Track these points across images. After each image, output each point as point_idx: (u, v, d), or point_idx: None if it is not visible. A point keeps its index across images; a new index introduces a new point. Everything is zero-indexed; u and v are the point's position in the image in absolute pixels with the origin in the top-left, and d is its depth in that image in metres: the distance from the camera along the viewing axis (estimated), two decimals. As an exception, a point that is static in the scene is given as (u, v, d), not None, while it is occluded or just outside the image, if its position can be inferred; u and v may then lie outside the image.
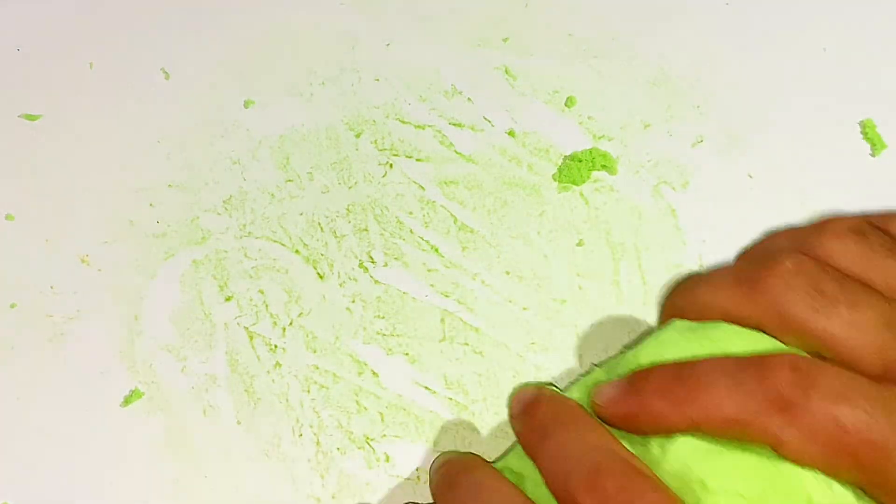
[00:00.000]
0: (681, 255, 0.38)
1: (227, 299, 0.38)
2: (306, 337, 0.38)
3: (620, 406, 0.28)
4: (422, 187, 0.39)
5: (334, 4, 0.42)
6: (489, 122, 0.40)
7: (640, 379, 0.28)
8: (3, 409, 0.37)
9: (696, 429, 0.26)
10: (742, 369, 0.26)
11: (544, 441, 0.29)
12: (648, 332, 0.31)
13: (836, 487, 0.25)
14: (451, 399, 0.37)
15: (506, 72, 0.41)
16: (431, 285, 0.38)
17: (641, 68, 0.41)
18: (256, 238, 0.39)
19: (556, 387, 0.35)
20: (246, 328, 0.38)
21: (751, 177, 0.39)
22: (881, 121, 0.39)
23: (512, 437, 0.37)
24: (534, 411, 0.30)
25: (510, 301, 0.38)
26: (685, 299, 0.30)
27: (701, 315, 0.29)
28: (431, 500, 0.30)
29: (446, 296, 0.38)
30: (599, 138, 0.40)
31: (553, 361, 0.37)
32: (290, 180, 0.40)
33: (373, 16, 0.42)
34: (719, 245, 0.38)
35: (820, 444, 0.24)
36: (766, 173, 0.39)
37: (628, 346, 0.34)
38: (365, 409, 0.37)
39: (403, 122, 0.40)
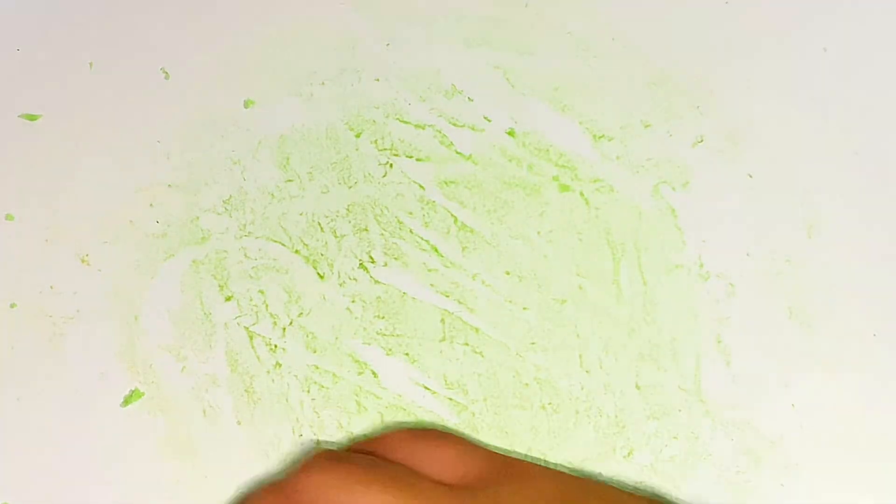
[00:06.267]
0: (681, 255, 0.38)
1: (227, 299, 0.38)
2: (306, 337, 0.38)
3: None
4: (422, 187, 0.39)
5: (334, 4, 0.42)
6: (489, 121, 0.40)
7: None
8: (3, 409, 0.37)
9: None
10: None
11: None
12: None
13: None
14: (451, 399, 0.37)
15: (506, 72, 0.41)
16: (431, 285, 0.38)
17: (641, 68, 0.41)
18: (256, 238, 0.39)
19: None
20: (246, 328, 0.38)
21: (751, 177, 0.39)
22: (881, 121, 0.39)
23: (512, 437, 0.37)
24: None
25: (510, 301, 0.38)
26: None
27: None
28: None
29: (446, 296, 0.38)
30: (599, 138, 0.40)
31: (553, 361, 0.37)
32: (290, 180, 0.40)
33: (373, 16, 0.42)
34: (719, 245, 0.38)
35: None
36: (766, 173, 0.39)
37: None
38: (365, 409, 0.37)
39: (403, 122, 0.40)
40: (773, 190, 0.39)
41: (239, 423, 0.37)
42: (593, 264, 0.38)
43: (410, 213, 0.39)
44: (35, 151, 0.41)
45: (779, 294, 0.38)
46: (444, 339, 0.38)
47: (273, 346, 0.38)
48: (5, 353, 0.38)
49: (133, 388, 0.37)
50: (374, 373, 0.37)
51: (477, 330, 0.38)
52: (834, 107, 0.40)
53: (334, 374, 0.37)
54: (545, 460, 0.36)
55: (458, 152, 0.40)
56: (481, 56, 0.41)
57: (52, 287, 0.39)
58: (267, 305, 0.38)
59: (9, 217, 0.40)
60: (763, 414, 0.37)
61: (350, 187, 0.40)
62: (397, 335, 0.38)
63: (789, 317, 0.38)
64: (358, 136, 0.40)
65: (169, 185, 0.40)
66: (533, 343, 0.37)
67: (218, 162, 0.40)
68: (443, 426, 0.37)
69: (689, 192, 0.39)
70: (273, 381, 0.37)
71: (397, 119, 0.41)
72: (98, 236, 0.40)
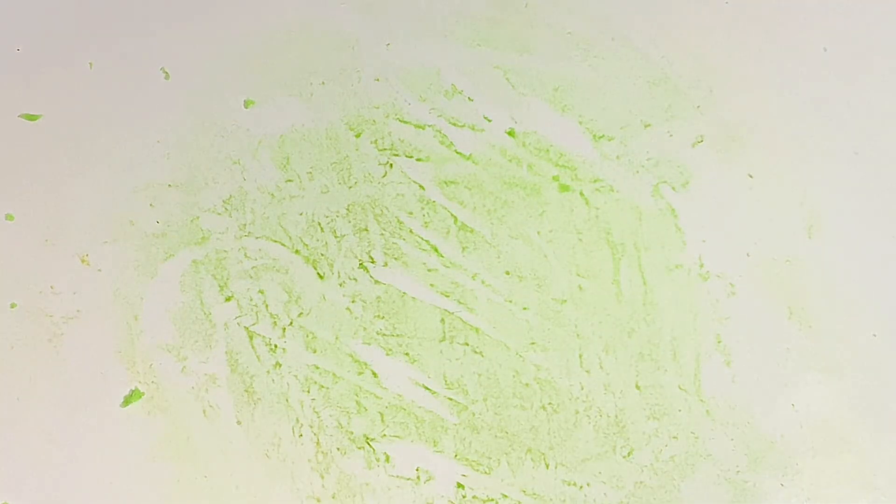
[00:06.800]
0: (681, 255, 0.38)
1: (227, 299, 0.38)
2: (306, 337, 0.38)
3: None
4: (422, 187, 0.39)
5: (334, 4, 0.42)
6: (489, 121, 0.40)
7: None
8: (3, 409, 0.37)
9: None
10: None
11: None
12: None
13: None
14: (451, 399, 0.37)
15: (506, 72, 0.41)
16: (431, 285, 0.38)
17: (641, 68, 0.41)
18: (256, 238, 0.39)
19: None
20: (246, 328, 0.38)
21: (751, 177, 0.39)
22: (881, 121, 0.39)
23: (512, 437, 0.37)
24: None
25: (510, 301, 0.38)
26: None
27: None
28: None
29: (446, 296, 0.38)
30: (599, 138, 0.40)
31: (553, 361, 0.37)
32: (290, 180, 0.40)
33: (373, 16, 0.42)
34: (719, 245, 0.38)
35: None
36: (766, 173, 0.39)
37: None
38: (365, 409, 0.37)
39: (403, 122, 0.40)
40: (773, 190, 0.39)
41: (239, 423, 0.37)
42: (593, 264, 0.38)
43: (410, 213, 0.39)
44: (35, 151, 0.41)
45: (779, 294, 0.38)
46: (444, 339, 0.38)
47: (273, 346, 0.38)
48: (5, 353, 0.38)
49: (133, 388, 0.37)
50: (374, 373, 0.37)
51: (477, 330, 0.38)
52: (834, 107, 0.40)
53: (334, 374, 0.37)
54: (545, 460, 0.37)
55: (458, 152, 0.40)
56: (481, 56, 0.41)
57: (52, 287, 0.39)
58: (267, 305, 0.38)
59: (9, 217, 0.40)
60: (763, 414, 0.37)
61: (350, 187, 0.40)
62: (397, 335, 0.38)
63: (789, 317, 0.38)
64: (358, 136, 0.40)
65: (169, 185, 0.40)
66: (533, 343, 0.37)
67: (218, 162, 0.40)
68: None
69: (689, 192, 0.39)
70: (273, 381, 0.37)
71: (397, 119, 0.41)
72: (98, 236, 0.40)
